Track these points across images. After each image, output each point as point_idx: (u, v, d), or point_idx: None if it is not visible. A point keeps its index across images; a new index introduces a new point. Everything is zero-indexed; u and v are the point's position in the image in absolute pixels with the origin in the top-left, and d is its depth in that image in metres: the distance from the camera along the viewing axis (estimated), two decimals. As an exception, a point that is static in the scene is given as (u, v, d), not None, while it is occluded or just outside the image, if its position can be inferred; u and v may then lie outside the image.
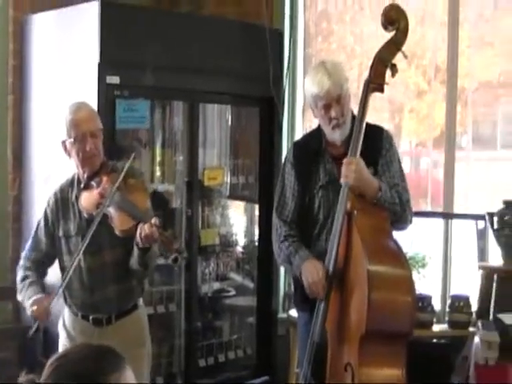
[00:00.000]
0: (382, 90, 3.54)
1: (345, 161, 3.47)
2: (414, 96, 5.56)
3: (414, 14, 5.37)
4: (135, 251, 3.45)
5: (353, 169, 3.43)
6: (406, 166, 5.57)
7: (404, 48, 3.52)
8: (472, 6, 5.29)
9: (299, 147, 3.90)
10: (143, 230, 3.32)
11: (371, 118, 5.41)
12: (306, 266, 3.56)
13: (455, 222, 5.27)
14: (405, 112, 5.65)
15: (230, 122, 5.62)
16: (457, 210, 5.21)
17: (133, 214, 3.40)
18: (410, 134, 5.70)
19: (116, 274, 3.63)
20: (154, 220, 3.31)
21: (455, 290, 5.13)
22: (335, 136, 3.64)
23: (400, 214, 3.60)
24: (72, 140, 3.58)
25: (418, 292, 4.89)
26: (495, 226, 4.63)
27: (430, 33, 5.40)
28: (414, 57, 5.39)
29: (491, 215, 4.68)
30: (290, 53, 5.57)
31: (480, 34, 5.33)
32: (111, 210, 3.45)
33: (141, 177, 3.75)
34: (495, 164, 5.37)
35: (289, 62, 5.56)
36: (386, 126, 5.39)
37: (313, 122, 5.41)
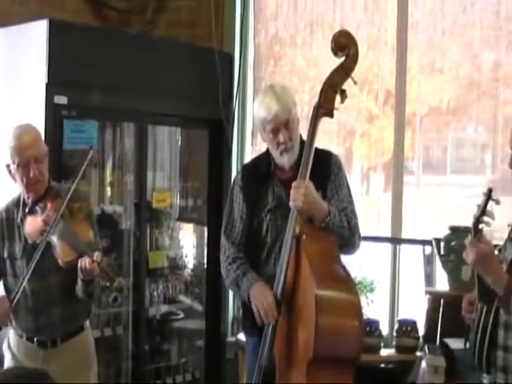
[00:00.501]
0: (331, 116, 3.56)
1: (294, 184, 3.47)
2: (366, 120, 5.59)
3: (366, 40, 5.44)
4: (79, 281, 3.44)
5: (302, 192, 3.43)
6: (357, 190, 5.60)
7: (355, 73, 3.55)
8: (421, 33, 5.36)
9: (248, 170, 3.90)
10: (84, 264, 3.32)
11: (323, 141, 5.46)
12: (255, 290, 3.54)
13: (403, 247, 5.30)
14: (356, 136, 5.68)
15: (179, 144, 5.61)
16: (405, 234, 5.25)
17: (75, 246, 3.40)
18: (361, 158, 5.73)
19: (61, 297, 3.60)
20: (95, 256, 3.32)
21: (403, 314, 5.16)
22: (283, 161, 3.65)
23: (348, 238, 3.61)
24: (15, 166, 3.55)
25: (365, 317, 4.92)
26: (442, 252, 4.67)
27: (381, 58, 5.45)
28: (366, 82, 5.44)
29: (438, 241, 4.72)
30: (239, 76, 5.58)
31: (430, 61, 5.40)
32: (54, 239, 3.44)
33: (86, 200, 3.73)
34: (444, 189, 5.43)
35: (238, 85, 5.58)
36: (338, 150, 5.45)
37: (262, 145, 5.43)
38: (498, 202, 2.91)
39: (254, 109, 3.73)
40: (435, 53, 5.38)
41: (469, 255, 2.84)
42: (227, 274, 3.74)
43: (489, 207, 2.89)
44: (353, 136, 5.69)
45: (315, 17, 5.66)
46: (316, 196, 3.50)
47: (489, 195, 2.89)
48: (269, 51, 5.86)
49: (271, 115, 3.57)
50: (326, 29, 5.60)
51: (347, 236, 3.59)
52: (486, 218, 2.87)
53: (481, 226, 2.87)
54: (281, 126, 3.58)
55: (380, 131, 5.50)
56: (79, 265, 3.34)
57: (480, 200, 2.92)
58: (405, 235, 5.26)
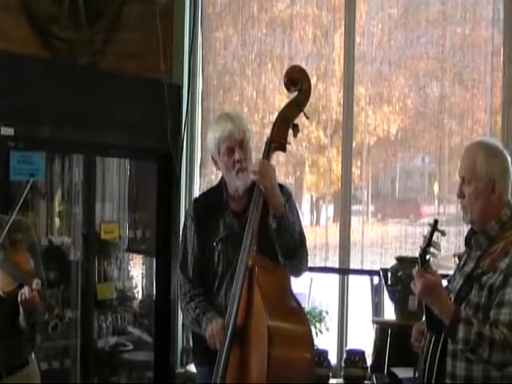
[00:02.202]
0: (283, 150, 3.59)
1: (261, 161, 3.48)
2: (315, 150, 5.65)
3: (315, 71, 5.51)
4: (21, 311, 3.40)
5: (269, 168, 3.48)
6: (307, 220, 5.65)
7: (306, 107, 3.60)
8: (370, 65, 5.46)
9: (200, 201, 3.92)
10: (24, 294, 3.29)
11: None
12: (210, 323, 3.55)
13: (351, 277, 5.35)
14: (306, 166, 5.73)
15: (128, 176, 5.60)
16: (354, 264, 5.30)
17: (14, 276, 3.38)
18: (310, 188, 5.77)
19: (3, 330, 3.54)
20: (35, 284, 3.28)
21: (351, 344, 5.20)
22: (238, 183, 3.64)
23: (297, 244, 3.56)
24: None
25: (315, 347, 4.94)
26: (389, 282, 4.73)
27: (330, 89, 5.52)
28: (316, 112, 5.49)
29: (385, 271, 4.78)
30: (187, 107, 5.60)
31: (378, 92, 5.49)
32: None
33: (27, 231, 3.69)
34: (393, 219, 5.49)
35: (187, 116, 5.60)
36: (288, 179, 5.50)
37: (211, 177, 5.46)
38: (443, 233, 2.97)
39: (208, 135, 3.73)
40: (383, 84, 5.48)
41: (416, 286, 2.87)
42: (186, 314, 3.74)
43: (435, 238, 2.95)
44: (302, 166, 5.73)
45: (264, 48, 5.71)
46: (276, 183, 3.52)
47: (434, 226, 2.94)
48: (218, 81, 5.89)
49: (226, 133, 3.60)
50: (276, 60, 5.67)
51: (297, 240, 3.56)
52: (432, 249, 2.92)
53: (427, 256, 2.91)
54: (236, 145, 3.61)
55: (329, 161, 5.55)
56: (19, 294, 3.30)
57: (426, 231, 2.98)
58: (353, 265, 5.31)
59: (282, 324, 3.36)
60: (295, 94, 3.58)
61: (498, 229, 2.99)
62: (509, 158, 3.07)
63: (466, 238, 3.12)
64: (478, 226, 3.04)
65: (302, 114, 3.58)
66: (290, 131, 3.57)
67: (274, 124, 3.58)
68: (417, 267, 2.91)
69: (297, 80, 3.57)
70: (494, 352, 2.76)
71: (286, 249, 3.54)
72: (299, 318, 3.44)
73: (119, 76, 5.25)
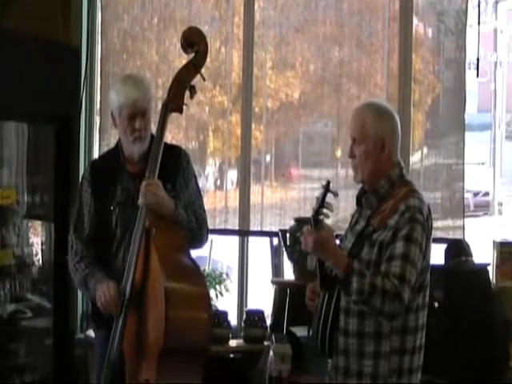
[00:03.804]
0: (180, 111, 3.62)
1: (144, 182, 3.50)
2: (219, 115, 5.65)
3: (218, 35, 5.50)
4: None
5: (151, 190, 3.47)
6: (211, 184, 5.67)
7: (208, 68, 3.61)
8: (273, 29, 5.48)
9: (96, 165, 3.93)
10: None
11: (177, 136, 5.48)
12: (100, 286, 3.54)
13: (252, 239, 5.41)
14: (209, 131, 5.73)
15: (26, 140, 5.50)
16: (256, 227, 5.36)
17: None
18: (214, 152, 5.78)
19: None
20: None
21: (252, 305, 5.26)
22: (134, 149, 3.65)
23: (196, 232, 3.66)
24: None
25: (214, 308, 4.99)
26: (288, 243, 4.80)
27: (233, 53, 5.52)
28: (219, 76, 5.50)
29: (284, 232, 4.85)
30: (86, 70, 5.53)
31: (281, 57, 5.53)
32: None
33: None
34: (296, 183, 5.55)
35: (85, 80, 5.52)
36: (191, 144, 5.49)
37: (110, 140, 5.40)
38: (336, 194, 3.02)
39: (112, 94, 3.71)
40: (286, 48, 5.51)
41: (307, 243, 2.92)
42: (75, 273, 3.72)
43: (328, 199, 3.00)
44: (206, 130, 5.74)
45: (168, 12, 5.67)
46: (164, 194, 3.53)
47: (327, 188, 3.00)
48: (120, 46, 5.82)
49: (130, 101, 3.59)
50: (179, 24, 5.62)
51: (195, 230, 3.64)
52: (324, 210, 2.97)
53: (320, 217, 2.96)
54: (138, 113, 3.60)
55: (232, 126, 5.57)
56: None
57: (319, 193, 3.03)
58: (253, 227, 5.36)
59: (179, 285, 3.39)
60: (192, 55, 3.59)
61: (387, 188, 3.06)
62: (397, 118, 3.14)
63: (357, 198, 3.17)
64: (369, 185, 3.10)
65: (198, 75, 3.59)
66: (187, 93, 3.58)
67: (171, 85, 3.60)
68: (309, 227, 2.95)
69: (193, 41, 3.59)
70: (386, 302, 2.83)
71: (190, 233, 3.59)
72: (196, 279, 3.48)
73: (16, 38, 5.11)
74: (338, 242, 3.14)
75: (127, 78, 3.75)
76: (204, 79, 3.67)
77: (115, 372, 3.51)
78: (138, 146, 3.65)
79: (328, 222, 3.01)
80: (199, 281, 3.50)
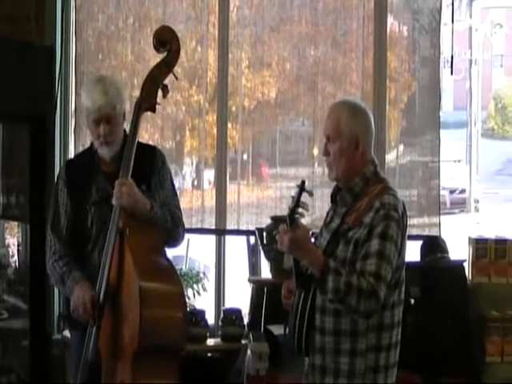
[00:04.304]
0: (153, 110, 3.62)
1: (117, 182, 3.49)
2: (196, 114, 5.64)
3: (194, 35, 5.50)
4: None
5: (125, 190, 3.46)
6: (188, 183, 5.67)
7: (184, 67, 3.61)
8: (249, 28, 5.48)
9: (72, 164, 3.92)
10: None
11: (154, 136, 5.47)
12: (76, 289, 3.54)
13: (229, 239, 5.41)
14: (186, 130, 5.72)
15: (0, 141, 5.47)
16: (233, 226, 5.35)
17: None
18: (191, 152, 5.78)
19: None
20: None
21: (229, 304, 5.26)
22: (104, 152, 3.67)
23: (172, 231, 3.66)
24: None
25: (192, 307, 4.99)
26: (264, 241, 4.80)
27: (209, 53, 5.52)
28: (196, 75, 5.49)
29: (261, 231, 4.85)
30: (60, 70, 5.50)
31: (257, 56, 5.53)
32: None
33: None
34: (273, 181, 5.56)
35: (60, 80, 5.49)
36: (168, 144, 5.48)
37: (86, 141, 5.38)
38: (311, 194, 3.03)
39: (82, 96, 3.74)
40: (262, 48, 5.51)
41: (283, 242, 2.91)
42: (52, 272, 3.71)
43: (303, 198, 3.00)
44: (183, 130, 5.73)
45: (143, 11, 5.65)
46: (138, 194, 3.52)
47: (302, 187, 3.00)
48: (95, 46, 5.79)
49: (95, 107, 3.59)
50: (154, 24, 5.59)
51: (170, 229, 3.64)
52: (300, 210, 2.97)
53: (296, 216, 2.96)
54: (102, 119, 3.60)
55: (209, 125, 5.57)
56: None
57: (294, 192, 3.03)
58: (230, 227, 5.36)
59: (153, 284, 3.39)
60: (164, 54, 3.59)
61: (362, 185, 3.06)
62: (371, 116, 3.14)
63: (331, 195, 3.17)
64: (343, 182, 3.10)
65: (171, 74, 3.59)
66: (160, 92, 3.58)
67: (144, 84, 3.61)
68: (284, 227, 2.95)
69: (165, 40, 3.60)
70: (362, 300, 2.83)
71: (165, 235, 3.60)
72: (171, 278, 3.48)
73: (-12, 39, 5.10)
74: (313, 240, 3.14)
75: (96, 81, 3.73)
76: (176, 78, 3.68)
77: (92, 373, 3.50)
78: (106, 150, 3.66)
79: (304, 220, 3.01)
80: (174, 280, 3.49)
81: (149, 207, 3.54)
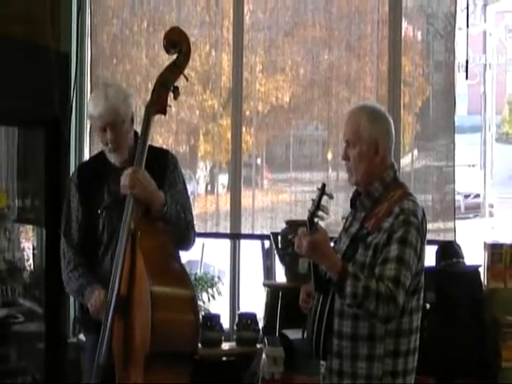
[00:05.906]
0: (164, 113, 3.57)
1: (129, 169, 3.44)
2: (209, 119, 5.65)
3: (208, 39, 5.51)
4: None
5: (139, 177, 3.42)
6: (202, 188, 5.67)
7: (196, 71, 3.60)
8: (263, 33, 5.49)
9: (84, 168, 3.93)
10: None
11: (168, 140, 5.47)
12: (94, 294, 3.54)
13: (244, 243, 5.41)
14: (200, 134, 5.73)
15: (16, 144, 5.49)
16: (248, 230, 5.36)
17: None
18: (205, 156, 5.78)
19: None
20: None
21: (244, 308, 5.26)
22: (112, 158, 3.68)
23: (184, 231, 3.63)
24: None
25: (206, 311, 5.00)
26: (279, 246, 4.80)
27: (224, 57, 5.52)
28: (210, 80, 5.49)
29: (275, 235, 4.85)
30: (76, 74, 5.52)
31: (271, 60, 5.54)
32: None
33: None
34: (287, 186, 5.56)
35: (75, 84, 5.51)
36: (182, 148, 5.49)
37: (100, 144, 5.39)
38: (331, 197, 3.02)
39: (89, 103, 3.77)
40: (276, 52, 5.52)
41: (301, 246, 2.90)
42: (68, 282, 3.72)
43: (323, 202, 3.00)
44: (197, 134, 5.73)
45: (157, 16, 5.66)
46: (152, 183, 3.48)
47: (322, 190, 2.99)
48: (110, 50, 5.81)
49: (96, 114, 3.61)
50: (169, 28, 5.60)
51: (183, 228, 3.62)
52: (320, 213, 2.96)
53: (316, 219, 2.96)
54: (107, 126, 3.60)
55: (223, 129, 5.57)
56: None
57: (315, 195, 3.03)
58: (245, 231, 5.36)
59: (165, 289, 3.36)
60: (175, 56, 3.57)
61: (381, 190, 3.06)
62: (391, 121, 3.14)
63: (351, 200, 3.17)
64: (363, 187, 3.10)
65: (182, 76, 3.57)
66: (171, 94, 3.55)
67: (154, 87, 3.56)
68: (303, 230, 2.94)
69: (176, 42, 3.56)
70: (381, 305, 2.82)
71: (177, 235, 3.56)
72: (182, 282, 3.44)
73: (5, 42, 5.11)
74: (332, 244, 3.13)
75: (100, 89, 3.75)
76: (187, 80, 3.65)
77: (105, 377, 3.48)
78: (115, 156, 3.66)
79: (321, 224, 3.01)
80: (185, 283, 3.45)
81: (163, 200, 3.49)
